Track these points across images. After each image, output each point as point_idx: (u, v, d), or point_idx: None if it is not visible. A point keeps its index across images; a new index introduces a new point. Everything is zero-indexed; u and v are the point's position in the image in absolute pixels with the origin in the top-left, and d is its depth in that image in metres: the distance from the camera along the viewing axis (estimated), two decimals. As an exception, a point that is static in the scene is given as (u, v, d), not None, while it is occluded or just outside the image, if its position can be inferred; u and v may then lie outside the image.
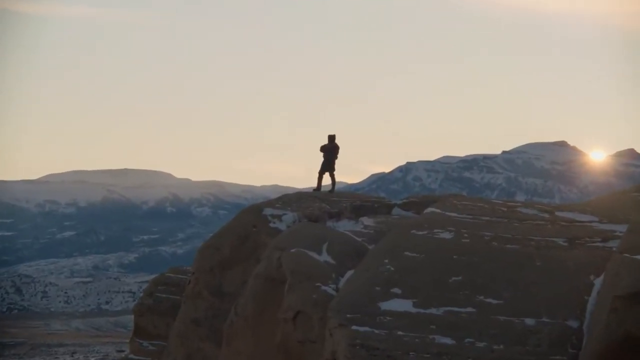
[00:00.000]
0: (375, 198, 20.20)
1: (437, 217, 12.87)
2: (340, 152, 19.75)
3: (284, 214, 16.38)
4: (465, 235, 11.66)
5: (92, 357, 67.00)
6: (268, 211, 16.54)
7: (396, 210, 18.71)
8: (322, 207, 17.13)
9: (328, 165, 19.73)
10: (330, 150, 19.68)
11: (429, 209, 13.74)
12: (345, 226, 15.73)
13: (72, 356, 69.64)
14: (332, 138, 19.77)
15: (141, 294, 27.15)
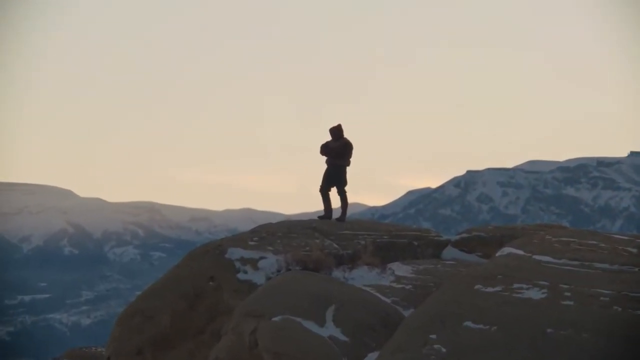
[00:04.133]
0: (414, 231, 20.25)
1: (520, 263, 12.89)
2: (355, 155, 19.77)
3: (262, 258, 16.41)
4: (568, 294, 11.68)
5: None
6: (235, 253, 16.58)
7: (450, 252, 18.76)
8: (326, 246, 17.13)
9: (335, 177, 19.76)
10: (337, 152, 19.68)
11: (506, 250, 13.76)
12: (364, 278, 15.77)
13: None
14: (337, 131, 19.75)
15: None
